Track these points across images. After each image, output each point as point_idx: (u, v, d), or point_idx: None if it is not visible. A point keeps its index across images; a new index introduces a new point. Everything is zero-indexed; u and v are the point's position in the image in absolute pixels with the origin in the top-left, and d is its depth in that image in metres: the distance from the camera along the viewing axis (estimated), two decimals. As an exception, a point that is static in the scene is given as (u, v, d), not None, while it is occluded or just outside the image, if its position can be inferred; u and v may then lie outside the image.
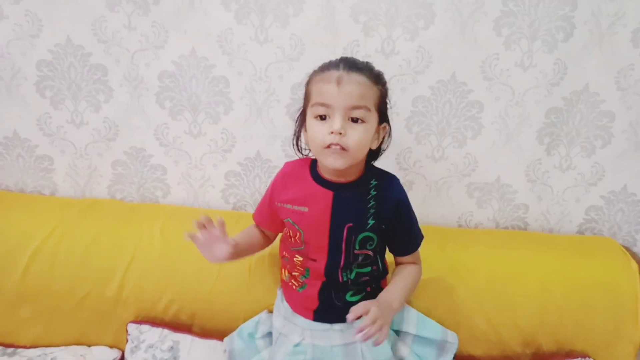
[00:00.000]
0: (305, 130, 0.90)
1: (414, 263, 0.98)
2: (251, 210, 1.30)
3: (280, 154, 1.24)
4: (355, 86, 0.81)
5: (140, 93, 1.21)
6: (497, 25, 1.11)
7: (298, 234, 0.90)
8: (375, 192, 0.89)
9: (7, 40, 1.17)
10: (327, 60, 0.89)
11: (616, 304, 1.05)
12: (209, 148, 1.25)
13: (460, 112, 1.18)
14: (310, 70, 1.14)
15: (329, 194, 0.89)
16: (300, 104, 1.18)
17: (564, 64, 1.14)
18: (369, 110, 0.83)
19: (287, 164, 0.97)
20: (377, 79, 0.85)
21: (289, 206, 0.91)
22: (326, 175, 0.90)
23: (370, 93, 0.83)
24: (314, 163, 0.93)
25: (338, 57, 0.88)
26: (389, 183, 0.92)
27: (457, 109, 1.18)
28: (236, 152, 1.25)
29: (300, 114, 0.93)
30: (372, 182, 0.90)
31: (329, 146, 0.82)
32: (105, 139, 1.26)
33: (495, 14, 1.10)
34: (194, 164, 1.27)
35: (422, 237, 0.98)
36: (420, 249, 1.09)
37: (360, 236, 0.89)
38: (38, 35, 1.17)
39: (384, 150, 0.95)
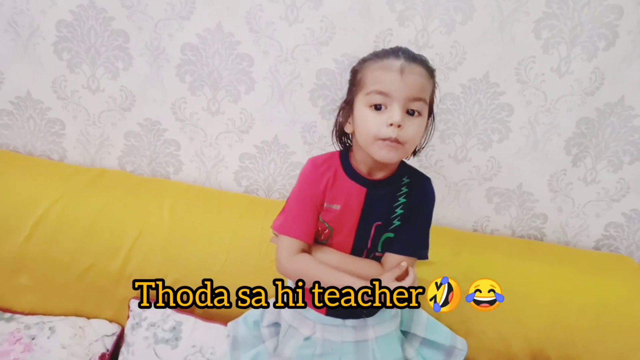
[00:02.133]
0: (349, 122, 0.84)
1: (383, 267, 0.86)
2: (263, 195, 1.28)
3: (299, 140, 1.21)
4: (417, 77, 0.77)
5: (161, 64, 1.17)
6: (538, 26, 1.07)
7: (327, 231, 0.86)
8: (406, 190, 0.85)
9: (28, -4, 1.13)
10: (380, 48, 0.84)
11: (631, 327, 1.03)
12: (225, 127, 1.22)
13: (488, 114, 1.15)
14: (339, 57, 1.12)
15: (362, 191, 0.84)
16: (326, 91, 1.14)
17: (602, 74, 1.10)
18: (425, 103, 0.79)
19: (314, 160, 0.87)
20: (432, 73, 0.82)
21: (326, 205, 0.85)
22: (361, 169, 0.85)
23: (428, 86, 0.80)
24: (343, 157, 0.87)
25: (379, 46, 0.84)
26: (422, 183, 0.87)
27: (487, 110, 1.14)
28: (253, 133, 1.22)
29: (346, 102, 0.85)
30: (404, 179, 0.86)
31: (383, 138, 0.77)
32: (120, 108, 1.22)
33: (537, 14, 1.06)
34: (209, 142, 1.24)
35: (423, 251, 0.87)
36: (435, 252, 1.06)
37: (384, 237, 0.85)
38: (60, -6, 1.12)
39: (422, 147, 0.88)
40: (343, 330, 0.87)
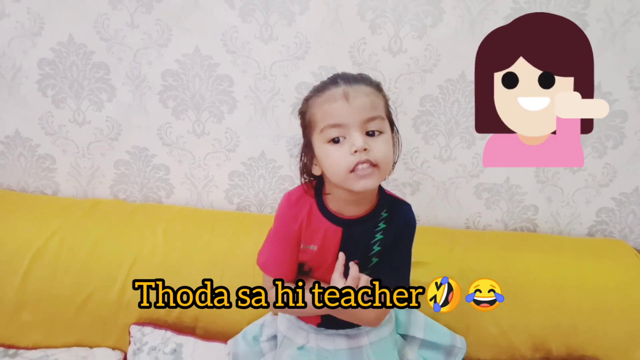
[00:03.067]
0: (315, 164, 0.79)
1: None
2: (255, 210, 1.29)
3: (284, 154, 1.22)
4: (365, 97, 0.74)
5: (143, 92, 1.19)
6: (507, 22, 1.08)
7: (307, 266, 0.85)
8: (384, 226, 0.80)
9: (8, 39, 1.16)
10: (321, 81, 0.80)
11: (630, 308, 1.03)
12: (212, 147, 1.24)
13: (469, 112, 1.16)
14: (316, 69, 1.14)
15: (338, 231, 0.80)
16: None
17: (576, 63, 1.11)
18: (383, 119, 0.76)
19: (289, 198, 0.83)
20: (379, 86, 0.79)
21: (302, 246, 0.82)
22: (334, 208, 0.81)
23: (378, 101, 0.76)
24: (318, 194, 0.82)
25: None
26: (400, 211, 0.82)
27: (466, 108, 1.16)
28: (240, 151, 1.24)
29: (304, 147, 0.81)
30: (382, 214, 0.81)
31: (354, 169, 0.72)
32: (107, 138, 1.24)
33: (505, 11, 1.08)
34: (198, 163, 1.25)
35: (402, 283, 0.81)
36: (428, 252, 1.08)
37: (365, 273, 0.80)
38: (40, 34, 1.15)
39: (395, 162, 0.82)
40: (336, 338, 0.88)
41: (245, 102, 1.19)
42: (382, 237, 0.80)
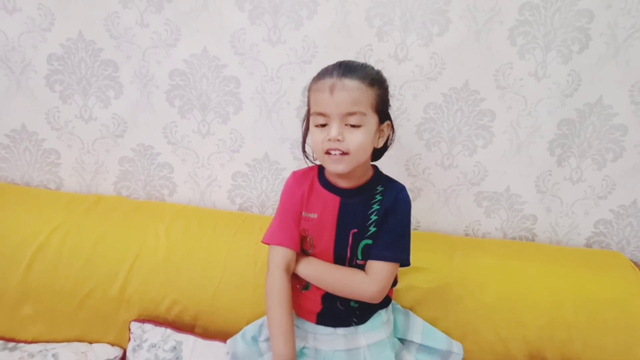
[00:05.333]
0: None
1: (367, 275, 0.86)
2: (257, 211, 1.30)
3: (288, 156, 1.24)
4: (348, 93, 0.81)
5: (150, 90, 1.20)
6: (512, 34, 1.10)
7: (308, 238, 0.90)
8: (380, 197, 0.88)
9: (19, 33, 1.17)
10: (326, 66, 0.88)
11: (626, 320, 1.04)
12: (217, 148, 1.25)
13: (471, 120, 1.18)
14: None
15: (336, 200, 0.88)
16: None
17: (578, 76, 1.13)
18: (364, 114, 0.82)
19: (295, 173, 0.96)
20: (373, 81, 0.84)
21: (304, 214, 0.90)
22: (333, 179, 0.90)
23: (364, 97, 0.82)
24: (321, 169, 0.93)
25: (362, 61, 0.88)
26: (394, 190, 0.89)
27: (469, 117, 1.17)
28: (244, 152, 1.25)
29: (305, 121, 0.93)
30: (378, 187, 0.90)
31: (328, 152, 0.83)
32: (113, 135, 1.25)
33: (510, 22, 1.10)
34: (202, 163, 1.26)
35: (402, 256, 0.87)
36: (428, 258, 1.09)
37: (362, 244, 0.87)
38: (50, 29, 1.16)
39: (388, 146, 0.94)
40: (334, 339, 0.89)
41: (251, 104, 1.20)
42: (378, 208, 0.88)
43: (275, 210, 1.28)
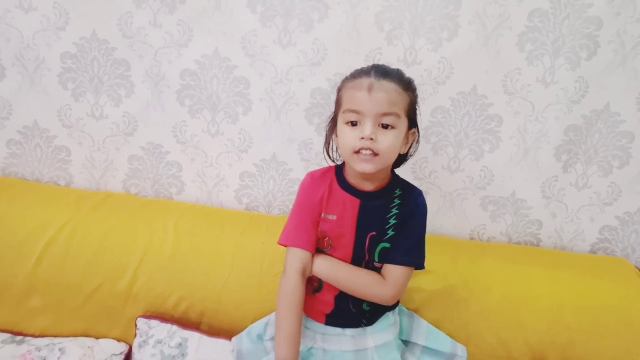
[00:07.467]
0: (336, 136, 0.90)
1: (384, 279, 0.88)
2: (264, 211, 1.31)
3: (296, 157, 1.25)
4: (386, 93, 0.82)
5: (161, 90, 1.22)
6: (521, 40, 1.11)
7: (327, 239, 0.90)
8: (398, 201, 0.89)
9: (33, 31, 1.18)
10: (358, 68, 0.89)
11: (629, 327, 1.04)
12: (225, 147, 1.26)
13: (478, 125, 1.18)
14: (332, 76, 1.16)
15: (356, 202, 0.88)
16: (320, 109, 1.19)
17: (586, 82, 1.13)
18: (398, 116, 0.83)
19: (312, 174, 0.93)
20: (407, 85, 0.86)
21: (323, 215, 0.90)
22: (353, 181, 0.90)
23: (400, 100, 0.83)
24: (338, 170, 0.92)
25: (369, 64, 0.89)
26: (413, 195, 0.91)
27: (476, 121, 1.18)
28: (252, 152, 1.26)
29: (332, 119, 0.92)
30: (396, 191, 0.90)
31: (359, 151, 0.82)
32: (123, 133, 1.27)
33: (519, 29, 1.10)
34: (210, 162, 1.28)
35: (418, 261, 0.90)
36: (433, 261, 1.09)
37: (380, 247, 0.88)
38: (64, 28, 1.18)
39: (411, 155, 0.94)
40: (342, 339, 0.90)
41: (261, 105, 1.21)
42: (397, 212, 0.88)
43: (281, 211, 1.30)
